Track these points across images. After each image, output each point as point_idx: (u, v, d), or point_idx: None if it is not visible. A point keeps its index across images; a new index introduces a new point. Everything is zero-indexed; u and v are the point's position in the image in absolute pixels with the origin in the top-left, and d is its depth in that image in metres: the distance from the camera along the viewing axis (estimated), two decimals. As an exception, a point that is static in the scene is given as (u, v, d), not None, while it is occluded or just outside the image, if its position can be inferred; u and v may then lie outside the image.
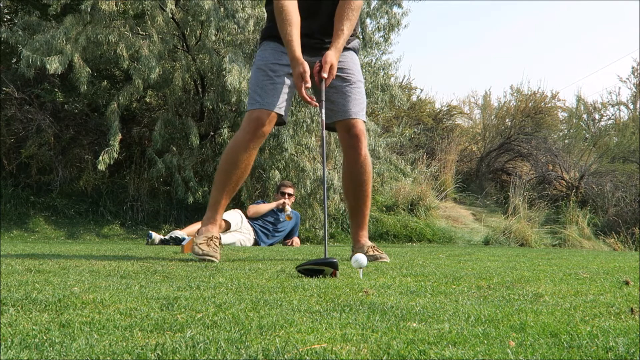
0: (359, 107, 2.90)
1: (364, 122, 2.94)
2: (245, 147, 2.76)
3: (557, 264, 2.84)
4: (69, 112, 7.75)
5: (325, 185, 2.52)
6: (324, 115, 2.68)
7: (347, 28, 2.78)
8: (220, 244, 2.79)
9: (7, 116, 7.53)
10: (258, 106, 2.76)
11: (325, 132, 2.71)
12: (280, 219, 6.06)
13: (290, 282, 1.84)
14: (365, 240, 2.98)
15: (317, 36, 2.85)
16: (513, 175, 10.56)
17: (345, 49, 2.92)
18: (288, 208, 5.99)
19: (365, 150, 2.91)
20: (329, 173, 6.94)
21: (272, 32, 2.84)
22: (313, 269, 2.06)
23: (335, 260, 2.07)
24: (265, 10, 3.05)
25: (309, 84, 2.66)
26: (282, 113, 2.81)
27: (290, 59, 2.69)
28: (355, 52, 3.02)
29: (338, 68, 2.83)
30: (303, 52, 2.72)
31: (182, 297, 1.49)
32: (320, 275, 2.05)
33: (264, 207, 5.99)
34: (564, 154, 11.10)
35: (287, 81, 2.82)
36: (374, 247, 2.94)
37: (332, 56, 2.70)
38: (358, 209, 2.99)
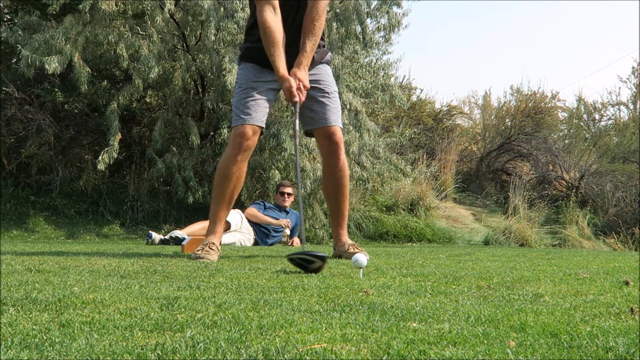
0: (336, 115, 3.13)
1: (341, 128, 3.16)
2: (234, 161, 2.98)
3: (557, 264, 2.84)
4: (69, 112, 7.75)
5: (300, 183, 2.53)
6: (297, 125, 2.94)
7: (310, 44, 2.99)
8: (217, 247, 2.96)
9: (7, 116, 7.53)
10: (242, 122, 2.98)
11: (298, 139, 2.99)
12: (280, 219, 6.06)
13: (290, 282, 1.84)
14: (346, 238, 3.21)
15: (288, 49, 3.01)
16: (513, 175, 10.55)
17: (320, 62, 3.14)
18: (287, 232, 5.98)
19: (343, 156, 3.15)
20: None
21: (250, 53, 3.09)
22: (304, 259, 2.20)
23: (325, 255, 2.21)
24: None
25: (297, 98, 2.91)
26: (264, 125, 3.04)
27: (278, 78, 2.94)
28: (329, 64, 3.24)
29: (314, 80, 3.07)
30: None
31: (182, 297, 1.49)
32: (307, 270, 2.17)
33: (263, 218, 5.95)
34: (564, 154, 11.10)
35: (268, 96, 3.06)
36: (354, 244, 3.16)
37: (300, 74, 2.93)
38: (339, 210, 3.21)
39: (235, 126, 3.01)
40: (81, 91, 6.60)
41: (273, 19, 2.90)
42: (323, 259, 2.20)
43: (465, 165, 11.61)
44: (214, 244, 2.93)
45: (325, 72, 3.17)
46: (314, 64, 3.07)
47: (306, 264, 2.19)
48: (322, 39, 3.11)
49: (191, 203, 7.03)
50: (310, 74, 3.03)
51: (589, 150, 11.42)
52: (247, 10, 6.52)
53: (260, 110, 2.99)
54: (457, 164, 10.95)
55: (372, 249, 4.31)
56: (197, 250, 2.88)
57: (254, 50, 3.05)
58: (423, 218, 8.80)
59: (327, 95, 3.11)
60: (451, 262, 2.87)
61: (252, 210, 6.00)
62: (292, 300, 1.48)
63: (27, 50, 6.10)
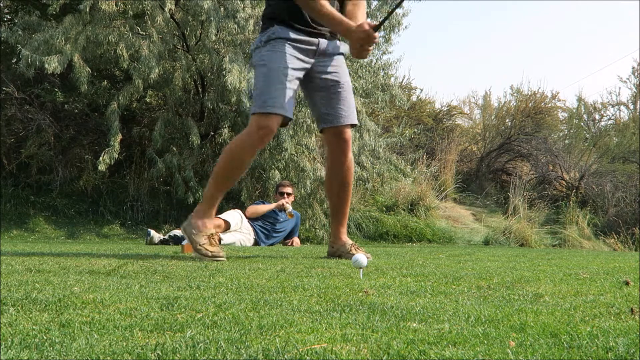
0: (350, 110, 2.93)
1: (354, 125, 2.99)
2: (252, 152, 2.79)
3: (557, 264, 2.84)
4: (69, 112, 7.75)
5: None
6: None
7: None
8: (219, 241, 2.88)
9: (7, 116, 7.53)
10: (270, 110, 2.68)
11: None
12: (280, 219, 6.06)
13: (290, 282, 1.84)
14: (346, 237, 3.11)
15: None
16: (513, 176, 10.56)
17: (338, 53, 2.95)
18: (288, 206, 5.96)
19: (351, 154, 3.02)
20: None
21: (285, 14, 2.80)
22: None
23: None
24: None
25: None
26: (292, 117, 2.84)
27: (347, 30, 2.67)
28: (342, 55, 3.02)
29: (331, 72, 2.88)
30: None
31: (182, 297, 1.49)
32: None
33: (263, 208, 5.98)
34: (564, 154, 11.10)
35: (295, 86, 2.82)
36: (354, 244, 3.06)
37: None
38: (341, 208, 3.10)
39: (260, 113, 2.69)
40: (81, 91, 6.60)
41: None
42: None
43: (465, 165, 11.61)
44: (216, 235, 2.79)
45: (343, 63, 2.99)
46: (329, 55, 2.87)
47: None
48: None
49: (191, 203, 7.02)
50: (331, 65, 2.88)
51: (589, 151, 11.42)
52: (248, 10, 6.53)
53: (291, 101, 2.73)
54: (457, 164, 10.95)
55: (372, 249, 4.31)
56: (204, 244, 2.69)
57: (290, 12, 2.75)
58: (423, 218, 8.80)
59: (341, 87, 2.92)
60: (451, 262, 2.87)
61: (252, 207, 6.01)
62: (292, 300, 1.48)
63: (27, 50, 6.10)
